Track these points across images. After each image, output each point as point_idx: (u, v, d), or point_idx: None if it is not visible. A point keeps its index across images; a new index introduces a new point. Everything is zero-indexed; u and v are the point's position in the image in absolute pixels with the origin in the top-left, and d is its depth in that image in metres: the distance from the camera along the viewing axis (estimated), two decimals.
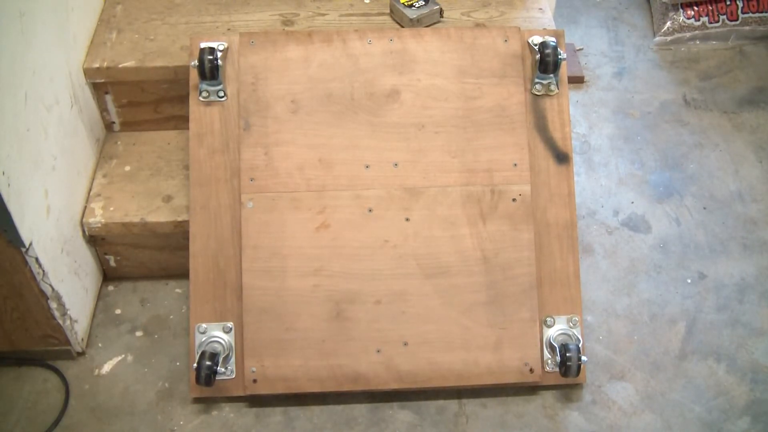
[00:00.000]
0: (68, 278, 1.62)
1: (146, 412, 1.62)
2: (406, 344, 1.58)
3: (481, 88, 1.66)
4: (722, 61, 2.48)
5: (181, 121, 1.89)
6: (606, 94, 2.36)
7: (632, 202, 2.05)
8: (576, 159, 2.15)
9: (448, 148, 1.64)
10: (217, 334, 1.59)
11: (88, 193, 1.76)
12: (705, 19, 2.49)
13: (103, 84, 1.80)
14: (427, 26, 1.85)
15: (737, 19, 2.49)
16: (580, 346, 1.57)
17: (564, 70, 1.67)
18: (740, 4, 2.49)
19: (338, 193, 1.62)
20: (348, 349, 1.58)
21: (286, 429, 1.59)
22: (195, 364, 1.53)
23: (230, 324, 1.59)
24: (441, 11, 1.87)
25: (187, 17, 1.90)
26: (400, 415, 1.61)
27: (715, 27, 2.50)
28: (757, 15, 2.49)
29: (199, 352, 1.55)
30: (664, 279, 1.88)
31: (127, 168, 1.82)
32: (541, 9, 1.93)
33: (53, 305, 1.56)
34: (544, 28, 1.83)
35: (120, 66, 1.77)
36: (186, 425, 1.60)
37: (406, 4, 1.86)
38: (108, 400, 1.64)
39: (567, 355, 1.54)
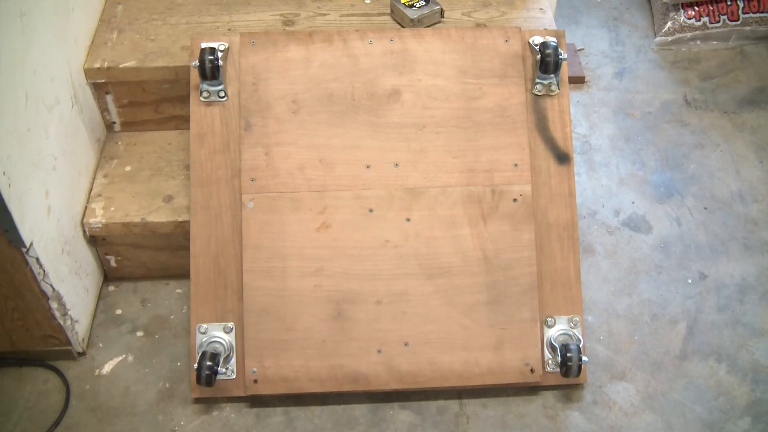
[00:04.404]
0: (69, 278, 1.62)
1: (147, 413, 1.62)
2: (406, 344, 1.58)
3: (482, 89, 1.66)
4: (723, 61, 2.48)
5: (181, 122, 1.89)
6: (607, 95, 2.36)
7: (633, 203, 2.05)
8: (577, 159, 2.15)
9: (448, 149, 1.64)
10: (218, 335, 1.59)
11: (89, 194, 1.77)
12: (706, 19, 2.49)
13: (104, 84, 1.80)
14: (427, 26, 1.85)
15: (738, 20, 2.49)
16: (580, 346, 1.57)
17: (565, 71, 1.67)
18: (741, 5, 2.49)
19: (339, 194, 1.62)
20: (349, 349, 1.58)
21: (287, 429, 1.59)
22: (196, 365, 1.53)
23: (231, 324, 1.59)
24: (442, 11, 1.87)
25: (187, 17, 1.90)
26: (401, 416, 1.61)
27: (716, 27, 2.49)
28: (757, 15, 2.49)
29: (200, 353, 1.55)
30: (665, 279, 1.88)
31: (128, 168, 1.83)
32: (541, 9, 1.93)
33: (54, 305, 1.56)
34: (545, 29, 1.83)
35: (121, 66, 1.77)
36: (187, 425, 1.60)
37: (406, 4, 1.86)
38: (109, 400, 1.64)
39: (568, 355, 1.54)
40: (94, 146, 1.83)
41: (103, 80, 1.79)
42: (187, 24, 1.88)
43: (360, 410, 1.62)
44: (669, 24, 2.51)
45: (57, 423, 1.59)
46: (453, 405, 1.63)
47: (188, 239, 1.63)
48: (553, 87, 1.67)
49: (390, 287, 1.59)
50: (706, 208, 2.04)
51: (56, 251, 1.56)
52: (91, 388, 1.66)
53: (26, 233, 1.42)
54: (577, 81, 2.39)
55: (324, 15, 1.92)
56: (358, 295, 1.59)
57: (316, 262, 1.59)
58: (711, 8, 2.49)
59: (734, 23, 2.49)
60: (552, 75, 1.65)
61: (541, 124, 1.67)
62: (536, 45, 1.66)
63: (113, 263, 1.82)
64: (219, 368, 1.53)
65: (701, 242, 1.96)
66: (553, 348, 1.59)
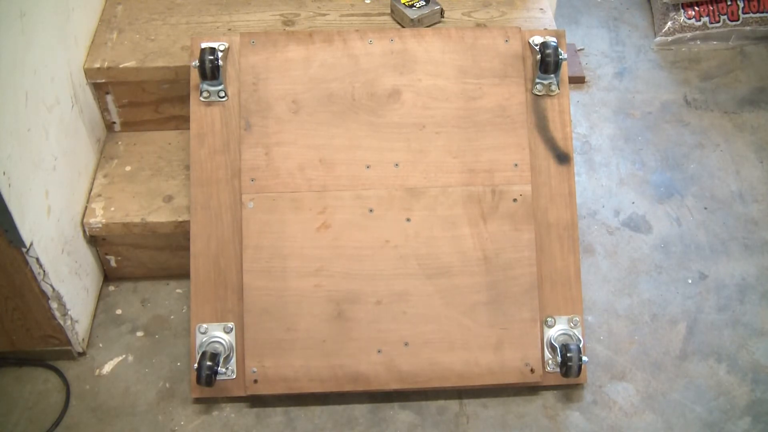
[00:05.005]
0: (69, 278, 1.62)
1: (147, 413, 1.62)
2: (406, 344, 1.58)
3: (482, 89, 1.66)
4: (723, 61, 2.48)
5: (181, 122, 1.89)
6: (607, 95, 2.36)
7: (633, 203, 2.05)
8: (577, 159, 2.15)
9: (448, 149, 1.64)
10: (218, 335, 1.59)
11: (89, 194, 1.77)
12: (706, 19, 2.49)
13: (104, 84, 1.80)
14: (427, 26, 1.85)
15: (738, 20, 2.49)
16: (580, 346, 1.57)
17: (565, 71, 1.67)
18: (741, 5, 2.49)
19: (339, 194, 1.62)
20: (349, 349, 1.58)
21: (287, 429, 1.59)
22: (196, 365, 1.53)
23: (231, 324, 1.59)
24: (442, 11, 1.87)
25: (187, 17, 1.90)
26: (401, 416, 1.61)
27: (716, 27, 2.49)
28: (757, 15, 2.49)
29: (200, 353, 1.55)
30: (665, 279, 1.88)
31: (128, 168, 1.83)
32: (541, 9, 1.93)
33: (54, 305, 1.56)
34: (545, 29, 1.83)
35: (121, 66, 1.77)
36: (187, 425, 1.60)
37: (406, 4, 1.86)
38: (109, 400, 1.64)
39: (568, 355, 1.54)
40: (94, 146, 1.83)
41: (103, 80, 1.79)
42: (187, 24, 1.88)
43: (360, 410, 1.62)
44: (669, 24, 2.51)
45: (57, 423, 1.59)
46: (453, 405, 1.63)
47: (188, 239, 1.63)
48: (553, 87, 1.67)
49: (390, 287, 1.59)
50: (706, 208, 2.04)
51: (56, 251, 1.56)
52: (91, 388, 1.66)
53: (26, 233, 1.42)
54: (577, 81, 2.39)
55: (324, 15, 1.92)
56: (358, 295, 1.59)
57: (316, 262, 1.59)
58: (711, 8, 2.49)
59: (734, 23, 2.49)
60: (552, 75, 1.65)
61: (541, 124, 1.67)
62: (536, 45, 1.66)
63: (113, 263, 1.82)
64: (219, 368, 1.53)
65: (701, 242, 1.96)
66: (553, 348, 1.59)
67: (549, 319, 1.62)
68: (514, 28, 1.69)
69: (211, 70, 1.60)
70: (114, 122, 1.89)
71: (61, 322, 1.60)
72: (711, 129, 2.25)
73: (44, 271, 1.50)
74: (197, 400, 1.63)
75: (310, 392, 1.59)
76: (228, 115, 1.65)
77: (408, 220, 1.62)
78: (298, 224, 1.60)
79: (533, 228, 1.62)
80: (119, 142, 1.89)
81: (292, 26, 1.88)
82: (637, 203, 2.05)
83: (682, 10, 2.50)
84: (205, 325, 1.59)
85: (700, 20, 2.49)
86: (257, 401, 1.63)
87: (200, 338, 1.59)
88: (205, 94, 1.65)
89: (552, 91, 1.67)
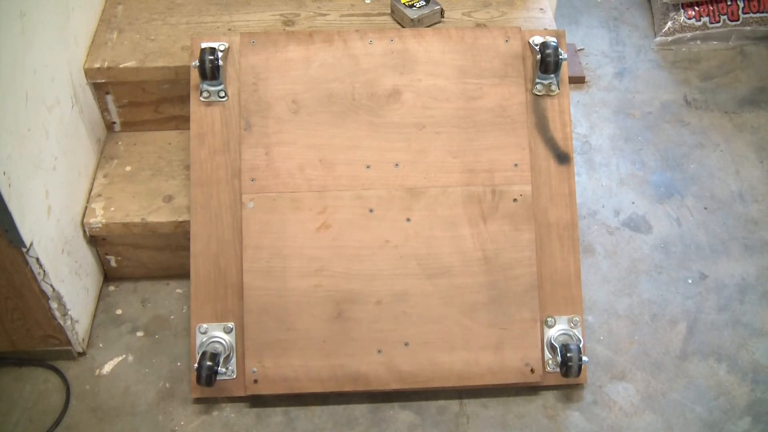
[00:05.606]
0: (69, 278, 1.62)
1: (147, 413, 1.62)
2: (407, 344, 1.58)
3: (482, 89, 1.66)
4: (723, 61, 2.48)
5: (181, 122, 1.89)
6: (607, 95, 2.36)
7: (633, 203, 2.05)
8: (577, 159, 2.15)
9: (449, 149, 1.64)
10: (218, 335, 1.59)
11: (89, 194, 1.77)
12: (706, 19, 2.49)
13: (104, 84, 1.80)
14: (427, 26, 1.85)
15: (738, 20, 2.49)
16: (581, 346, 1.57)
17: (565, 71, 1.67)
18: (741, 5, 2.49)
19: (339, 194, 1.62)
20: (349, 349, 1.58)
21: (287, 429, 1.59)
22: (196, 365, 1.53)
23: (231, 324, 1.59)
24: (442, 11, 1.87)
25: (187, 17, 1.91)
26: (401, 416, 1.61)
27: (716, 27, 2.49)
28: (758, 15, 2.49)
29: (200, 353, 1.55)
30: (665, 279, 1.88)
31: (128, 168, 1.83)
32: (542, 9, 1.93)
33: (54, 305, 1.56)
34: (545, 29, 1.83)
35: (121, 66, 1.77)
36: (187, 425, 1.60)
37: (407, 4, 1.86)
38: (109, 400, 1.64)
39: (568, 355, 1.54)
40: (94, 146, 1.83)
41: (103, 80, 1.79)
42: (187, 24, 1.88)
43: (360, 410, 1.62)
44: (669, 24, 2.51)
45: (57, 423, 1.59)
46: (453, 405, 1.63)
47: (188, 239, 1.63)
48: (553, 87, 1.67)
49: (390, 287, 1.59)
50: (706, 208, 2.04)
51: (56, 251, 1.56)
52: (91, 388, 1.66)
53: (26, 233, 1.42)
54: (577, 81, 2.39)
55: (324, 15, 1.92)
56: (359, 295, 1.59)
57: (316, 262, 1.59)
58: (711, 8, 2.49)
59: (734, 23, 2.49)
60: (552, 75, 1.65)
61: (541, 124, 1.67)
62: (536, 45, 1.66)
63: (113, 263, 1.82)
64: (219, 368, 1.53)
65: (701, 242, 1.96)
66: (553, 348, 1.59)
67: (549, 319, 1.62)
68: (514, 28, 1.69)
69: (211, 70, 1.60)
70: (114, 122, 1.89)
71: (61, 322, 1.60)
72: (711, 129, 2.25)
73: (44, 271, 1.50)
74: (197, 400, 1.63)
75: (310, 392, 1.59)
76: (228, 115, 1.65)
77: (408, 220, 1.62)
78: (298, 224, 1.60)
79: (533, 228, 1.62)
80: (119, 142, 1.89)
81: (292, 26, 1.89)
82: (637, 203, 2.05)
83: (682, 10, 2.50)
84: (205, 325, 1.59)
85: (700, 20, 2.49)
86: (257, 401, 1.63)
87: (200, 338, 1.59)
88: (205, 94, 1.65)
89: (552, 91, 1.67)
